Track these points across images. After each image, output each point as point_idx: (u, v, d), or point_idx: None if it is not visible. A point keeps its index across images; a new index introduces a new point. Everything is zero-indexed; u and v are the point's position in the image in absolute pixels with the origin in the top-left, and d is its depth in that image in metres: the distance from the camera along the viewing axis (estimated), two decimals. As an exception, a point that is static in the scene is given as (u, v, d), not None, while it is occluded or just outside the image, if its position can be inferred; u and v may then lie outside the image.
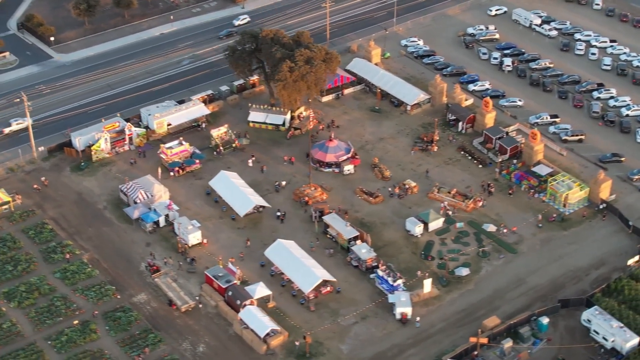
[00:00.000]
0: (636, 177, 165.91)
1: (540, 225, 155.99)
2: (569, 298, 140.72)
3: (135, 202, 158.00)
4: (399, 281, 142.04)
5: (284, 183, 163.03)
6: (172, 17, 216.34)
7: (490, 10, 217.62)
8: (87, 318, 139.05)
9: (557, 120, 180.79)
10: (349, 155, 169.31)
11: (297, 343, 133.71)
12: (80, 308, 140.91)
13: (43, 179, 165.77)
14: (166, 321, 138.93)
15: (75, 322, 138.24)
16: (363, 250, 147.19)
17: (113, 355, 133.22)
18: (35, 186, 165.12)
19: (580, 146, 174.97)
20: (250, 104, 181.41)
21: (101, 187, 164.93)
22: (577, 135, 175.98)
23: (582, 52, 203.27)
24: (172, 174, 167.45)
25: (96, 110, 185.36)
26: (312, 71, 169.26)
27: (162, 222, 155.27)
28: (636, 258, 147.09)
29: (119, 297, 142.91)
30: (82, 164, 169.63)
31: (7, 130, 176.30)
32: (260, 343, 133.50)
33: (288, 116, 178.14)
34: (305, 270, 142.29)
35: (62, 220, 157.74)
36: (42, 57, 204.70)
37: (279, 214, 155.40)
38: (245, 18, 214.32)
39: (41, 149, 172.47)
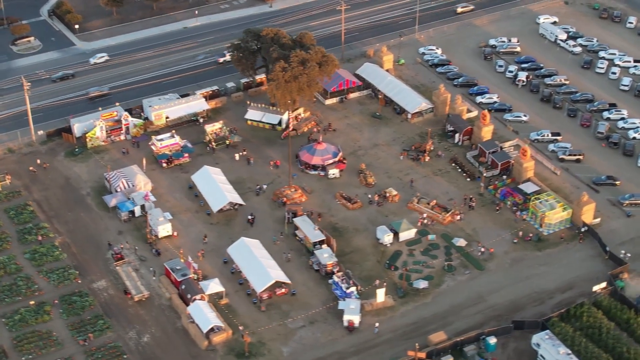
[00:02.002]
0: (627, 202, 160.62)
1: (515, 241, 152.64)
2: (524, 320, 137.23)
3: (116, 191, 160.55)
4: (352, 288, 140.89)
5: (265, 186, 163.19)
6: (196, 12, 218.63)
7: (539, 18, 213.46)
8: (44, 300, 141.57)
9: (558, 138, 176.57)
10: (336, 159, 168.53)
11: (241, 328, 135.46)
12: (40, 289, 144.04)
13: (39, 161, 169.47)
14: (119, 309, 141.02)
15: (32, 302, 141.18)
16: (325, 255, 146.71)
17: (60, 337, 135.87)
18: (30, 168, 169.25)
19: (577, 166, 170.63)
20: (248, 102, 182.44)
21: (90, 174, 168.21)
22: (575, 155, 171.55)
23: (602, 71, 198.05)
24: (164, 165, 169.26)
25: (105, 97, 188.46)
26: (305, 73, 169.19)
27: (137, 212, 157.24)
28: (603, 285, 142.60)
29: (80, 281, 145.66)
30: (77, 149, 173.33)
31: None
32: (203, 338, 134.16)
33: (285, 116, 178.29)
34: (261, 270, 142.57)
35: (45, 203, 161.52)
36: (66, 43, 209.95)
37: (249, 217, 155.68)
38: (104, 57, 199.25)
39: (40, 132, 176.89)
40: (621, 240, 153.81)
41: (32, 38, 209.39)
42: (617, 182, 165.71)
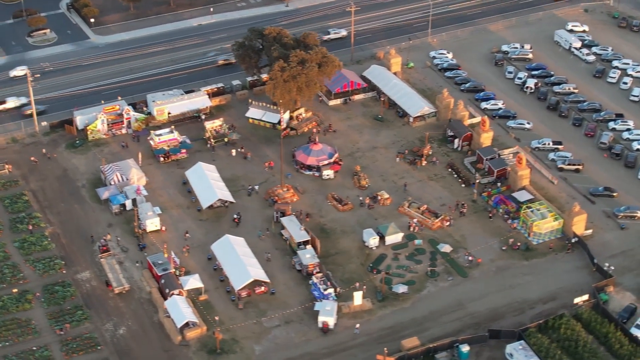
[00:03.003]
0: (622, 214, 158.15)
1: (504, 248, 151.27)
2: (500, 329, 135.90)
3: (110, 184, 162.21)
4: (330, 290, 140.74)
5: (257, 187, 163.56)
6: (211, 9, 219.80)
7: (568, 25, 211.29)
8: (28, 288, 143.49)
9: (559, 147, 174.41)
10: (331, 160, 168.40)
11: (216, 318, 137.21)
12: (25, 278, 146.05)
13: (45, 151, 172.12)
14: (99, 301, 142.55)
15: (14, 290, 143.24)
16: (307, 255, 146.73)
17: (38, 326, 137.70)
18: (32, 158, 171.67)
19: (576, 176, 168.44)
20: (250, 100, 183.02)
21: (87, 166, 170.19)
22: (574, 165, 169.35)
23: (614, 80, 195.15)
24: (161, 160, 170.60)
25: (112, 91, 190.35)
26: (303, 72, 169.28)
27: (128, 206, 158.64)
28: (585, 297, 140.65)
29: (64, 272, 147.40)
30: (77, 141, 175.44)
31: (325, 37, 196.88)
32: (177, 333, 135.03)
33: (286, 115, 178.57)
34: (241, 268, 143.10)
35: (40, 193, 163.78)
36: (80, 37, 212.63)
37: (235, 216, 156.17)
38: (24, 69, 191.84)
39: (44, 123, 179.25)
40: (612, 252, 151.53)
41: (47, 30, 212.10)
42: (614, 194, 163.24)
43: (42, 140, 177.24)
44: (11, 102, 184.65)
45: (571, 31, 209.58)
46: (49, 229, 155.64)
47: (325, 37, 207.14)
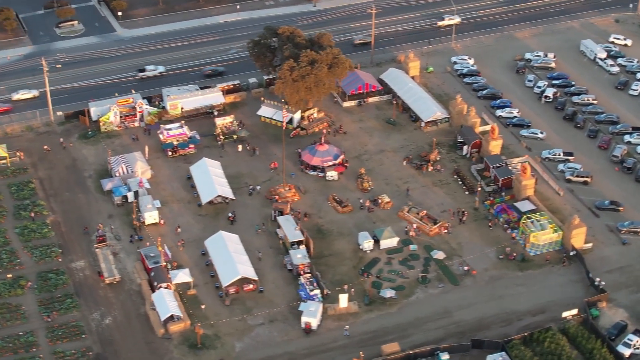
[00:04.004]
0: (625, 229, 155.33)
1: (501, 257, 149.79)
2: (483, 339, 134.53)
3: (115, 175, 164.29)
4: (316, 291, 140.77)
5: (258, 187, 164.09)
6: (238, 6, 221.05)
7: (610, 37, 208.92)
8: (22, 274, 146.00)
9: (570, 158, 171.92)
10: (336, 161, 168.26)
11: (202, 307, 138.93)
12: (22, 264, 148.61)
13: (62, 140, 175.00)
14: (90, 290, 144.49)
15: (9, 275, 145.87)
16: (298, 255, 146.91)
17: (27, 312, 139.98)
18: (45, 147, 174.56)
19: (584, 189, 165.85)
20: (262, 99, 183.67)
21: (97, 157, 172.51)
22: (583, 177, 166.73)
23: (636, 93, 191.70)
24: (169, 154, 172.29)
25: (130, 84, 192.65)
26: (312, 73, 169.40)
27: (130, 197, 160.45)
28: (574, 312, 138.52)
29: (60, 260, 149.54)
30: (90, 132, 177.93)
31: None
32: (160, 326, 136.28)
33: (297, 115, 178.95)
34: (230, 264, 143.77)
35: (47, 182, 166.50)
36: (107, 29, 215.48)
37: (229, 215, 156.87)
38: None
39: (59, 113, 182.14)
40: (609, 268, 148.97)
41: (75, 22, 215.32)
42: (620, 208, 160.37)
43: (56, 129, 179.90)
44: (150, 71, 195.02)
45: (612, 43, 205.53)
46: (51, 217, 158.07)
47: (357, 41, 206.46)
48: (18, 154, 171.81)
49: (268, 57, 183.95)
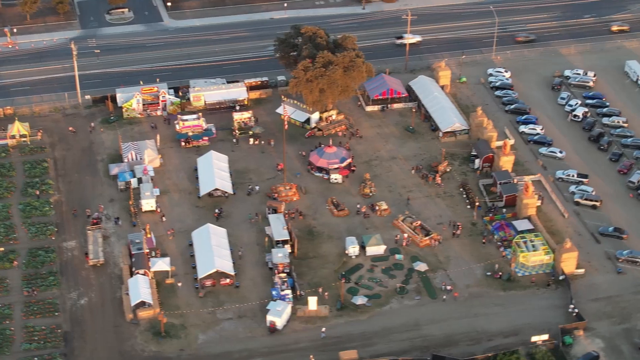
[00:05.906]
0: (623, 258, 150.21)
1: (488, 273, 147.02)
2: (444, 356, 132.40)
3: (124, 161, 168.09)
4: (287, 291, 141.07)
5: (257, 187, 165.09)
6: (285, 4, 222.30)
7: None
8: (15, 249, 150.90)
9: (584, 180, 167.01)
10: (342, 164, 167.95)
11: (179, 284, 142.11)
12: (17, 239, 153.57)
13: (93, 124, 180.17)
14: (74, 270, 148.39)
15: (1, 249, 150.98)
16: (279, 255, 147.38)
17: (10, 285, 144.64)
18: (70, 128, 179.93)
19: (591, 213, 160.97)
20: (283, 97, 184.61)
21: (113, 142, 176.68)
22: (592, 201, 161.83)
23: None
24: (182, 144, 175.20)
25: (163, 73, 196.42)
26: (326, 74, 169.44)
27: (134, 184, 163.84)
28: (544, 337, 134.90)
29: (54, 238, 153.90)
30: (112, 117, 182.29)
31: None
32: (130, 311, 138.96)
33: (315, 115, 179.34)
34: (208, 257, 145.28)
35: (61, 162, 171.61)
36: (155, 19, 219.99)
37: (217, 211, 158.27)
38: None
39: (87, 97, 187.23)
40: (596, 296, 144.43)
41: (126, 10, 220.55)
42: (623, 236, 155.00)
43: (82, 112, 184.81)
44: (408, 39, 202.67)
45: None
46: (55, 197, 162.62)
47: (398, 42, 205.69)
48: (39, 133, 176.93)
49: (293, 56, 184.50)
